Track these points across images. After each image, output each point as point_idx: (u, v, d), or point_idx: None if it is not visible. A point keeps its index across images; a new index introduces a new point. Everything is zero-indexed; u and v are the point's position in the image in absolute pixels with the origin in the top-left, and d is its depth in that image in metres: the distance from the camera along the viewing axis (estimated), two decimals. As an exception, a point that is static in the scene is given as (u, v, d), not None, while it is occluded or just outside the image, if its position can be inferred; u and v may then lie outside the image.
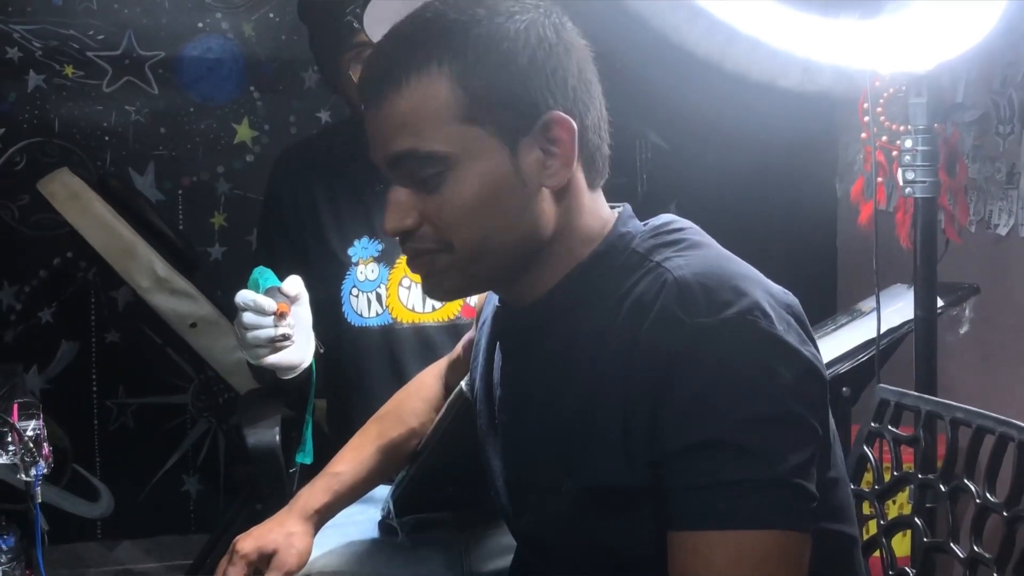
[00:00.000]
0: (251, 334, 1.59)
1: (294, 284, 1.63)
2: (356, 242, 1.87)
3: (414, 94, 1.04)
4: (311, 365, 1.73)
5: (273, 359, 1.63)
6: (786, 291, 1.07)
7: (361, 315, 1.85)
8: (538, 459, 1.12)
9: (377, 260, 1.86)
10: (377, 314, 1.84)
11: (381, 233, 1.85)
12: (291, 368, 1.67)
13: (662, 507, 0.99)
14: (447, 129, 1.04)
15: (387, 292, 1.84)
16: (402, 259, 1.83)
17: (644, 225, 1.14)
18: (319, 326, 1.77)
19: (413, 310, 1.83)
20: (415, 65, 1.04)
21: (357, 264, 1.86)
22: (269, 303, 1.59)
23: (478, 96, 1.03)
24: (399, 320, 1.83)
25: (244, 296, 1.60)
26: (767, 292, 1.03)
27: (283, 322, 1.60)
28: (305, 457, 1.77)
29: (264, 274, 1.67)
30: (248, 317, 1.59)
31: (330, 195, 1.89)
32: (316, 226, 1.89)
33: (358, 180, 1.86)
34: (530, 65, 1.05)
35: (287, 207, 1.92)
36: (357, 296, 1.85)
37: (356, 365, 1.86)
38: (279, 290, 1.62)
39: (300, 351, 1.66)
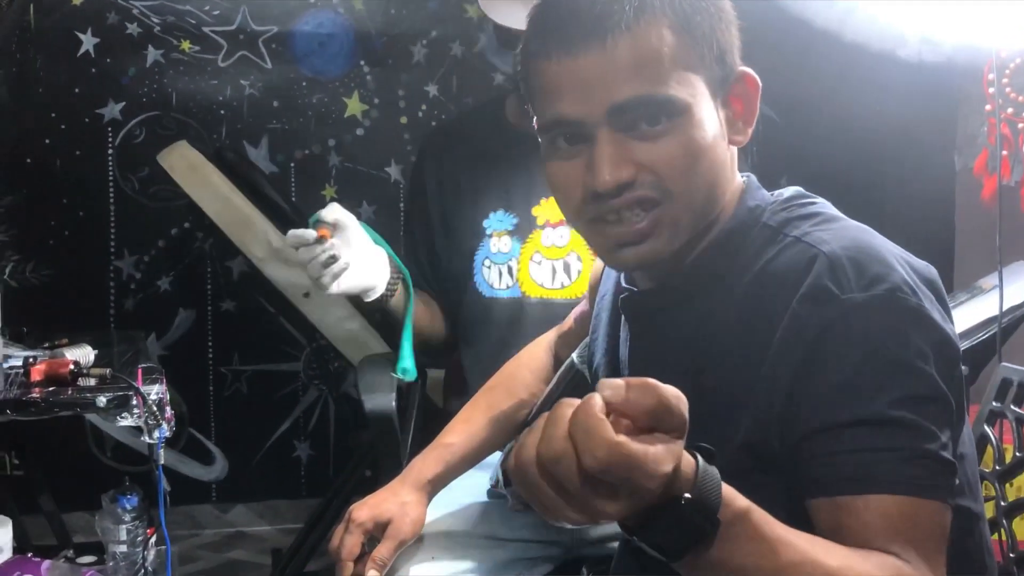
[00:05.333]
0: (308, 266, 1.71)
1: (331, 211, 1.74)
2: (492, 214, 1.90)
3: (644, 37, 1.01)
4: (404, 282, 1.83)
5: (339, 288, 1.73)
6: (928, 265, 1.05)
7: (492, 286, 1.88)
8: None
9: (511, 233, 1.88)
10: (508, 287, 1.87)
11: (517, 207, 1.88)
12: (366, 290, 1.79)
13: (801, 475, 0.98)
14: (678, 74, 1.01)
15: (518, 266, 1.86)
16: (535, 234, 1.87)
17: (771, 196, 1.13)
18: (450, 294, 1.93)
19: (542, 285, 1.85)
20: (640, 8, 1.01)
21: (491, 236, 1.89)
22: (310, 232, 1.70)
23: (699, 44, 1.03)
24: (528, 295, 1.86)
25: (290, 236, 1.72)
26: (911, 267, 1.02)
27: (326, 244, 1.70)
28: (407, 374, 1.81)
29: (311, 217, 1.77)
30: (301, 253, 1.71)
31: (471, 168, 1.93)
32: (456, 198, 1.94)
33: (499, 156, 1.89)
34: (731, 20, 1.06)
35: (430, 183, 1.97)
36: (489, 268, 1.88)
37: (482, 335, 1.89)
38: (319, 219, 1.73)
39: (362, 275, 1.76)
